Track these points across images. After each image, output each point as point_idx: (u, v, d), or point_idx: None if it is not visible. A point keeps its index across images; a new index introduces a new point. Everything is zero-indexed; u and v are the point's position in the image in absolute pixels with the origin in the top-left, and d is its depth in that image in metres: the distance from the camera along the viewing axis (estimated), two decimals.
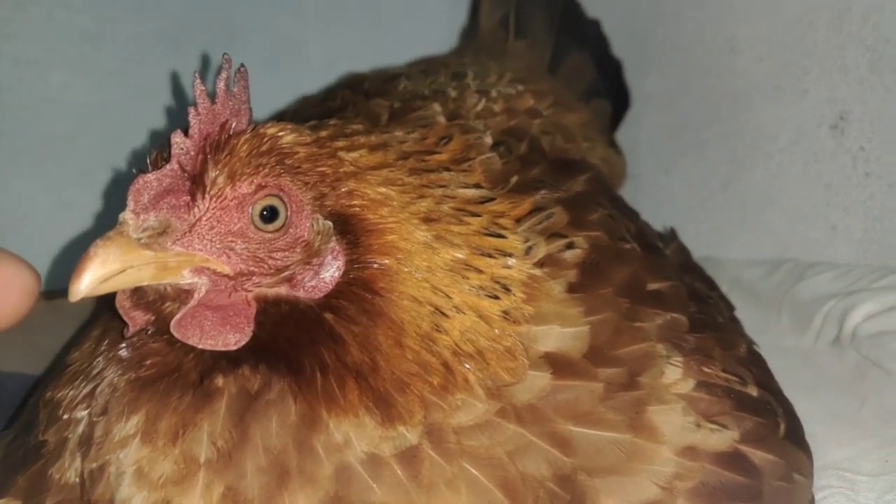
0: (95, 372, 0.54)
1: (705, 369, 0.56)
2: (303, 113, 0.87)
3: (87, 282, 0.44)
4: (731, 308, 0.73)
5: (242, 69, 0.52)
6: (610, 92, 1.12)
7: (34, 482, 0.53)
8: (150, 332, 0.51)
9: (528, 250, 0.58)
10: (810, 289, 0.91)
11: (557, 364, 0.53)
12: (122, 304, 0.51)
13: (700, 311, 0.62)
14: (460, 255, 0.54)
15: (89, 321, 0.67)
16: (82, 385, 0.54)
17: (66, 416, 0.54)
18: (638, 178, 1.21)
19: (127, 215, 0.47)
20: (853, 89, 0.94)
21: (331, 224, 0.52)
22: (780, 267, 0.99)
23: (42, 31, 1.13)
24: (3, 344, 0.90)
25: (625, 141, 1.18)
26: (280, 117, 0.60)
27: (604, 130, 1.05)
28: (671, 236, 0.78)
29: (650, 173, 1.22)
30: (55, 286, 1.07)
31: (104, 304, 0.64)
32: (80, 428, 0.52)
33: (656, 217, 0.90)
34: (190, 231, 0.48)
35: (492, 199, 0.60)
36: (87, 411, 0.52)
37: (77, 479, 0.51)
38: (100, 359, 0.54)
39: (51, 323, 0.82)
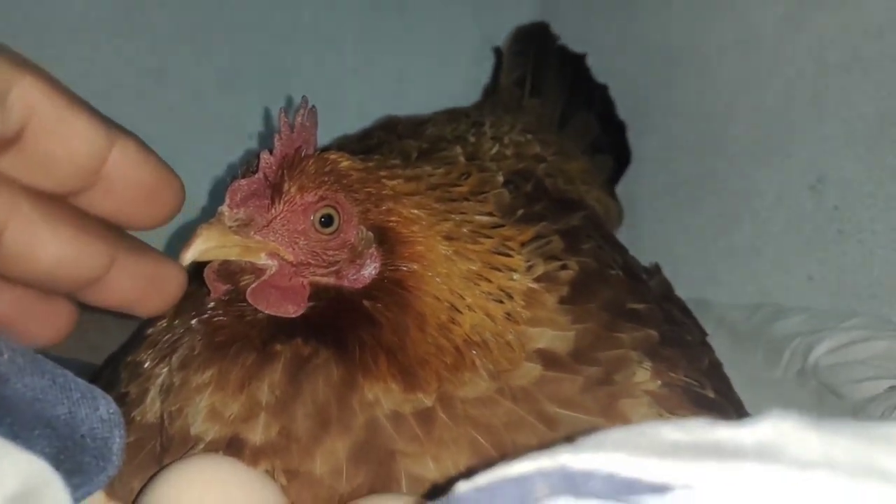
0: (174, 339, 0.66)
1: (670, 374, 0.66)
2: (344, 148, 1.00)
3: (192, 251, 0.57)
4: (703, 333, 0.83)
5: (314, 109, 0.66)
6: (613, 149, 1.23)
7: None
8: (226, 301, 0.63)
9: (529, 268, 0.69)
10: (783, 328, 1.00)
11: (547, 358, 0.64)
12: (209, 275, 0.63)
13: (671, 331, 0.72)
14: (474, 268, 0.66)
15: None
16: (162, 349, 0.66)
17: (147, 372, 0.66)
18: (637, 227, 1.31)
19: (224, 208, 0.60)
20: (830, 156, 1.03)
21: (372, 235, 0.65)
22: (759, 310, 1.08)
23: (112, 67, 1.28)
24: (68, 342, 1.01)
25: (626, 194, 1.28)
26: (324, 150, 0.73)
27: (605, 182, 1.17)
28: (655, 270, 0.89)
29: (648, 224, 1.32)
30: None
31: None
32: (160, 379, 0.64)
33: (654, 262, 1.00)
34: (268, 225, 0.61)
35: (502, 226, 0.72)
36: (166, 368, 0.64)
37: (156, 420, 0.63)
38: (177, 329, 0.66)
39: (97, 319, 0.94)
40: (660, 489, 0.28)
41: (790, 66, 1.08)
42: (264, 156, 0.61)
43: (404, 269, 0.64)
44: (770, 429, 0.31)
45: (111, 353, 0.77)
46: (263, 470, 0.58)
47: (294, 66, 1.44)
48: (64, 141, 0.47)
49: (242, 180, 0.61)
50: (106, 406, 0.52)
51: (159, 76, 1.31)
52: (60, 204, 0.51)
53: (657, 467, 0.28)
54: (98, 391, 0.53)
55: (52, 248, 0.50)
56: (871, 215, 0.99)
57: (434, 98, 1.27)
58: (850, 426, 0.32)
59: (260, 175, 0.61)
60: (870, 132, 0.98)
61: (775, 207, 1.11)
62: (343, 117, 1.32)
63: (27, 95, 0.45)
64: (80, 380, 0.53)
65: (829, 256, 1.04)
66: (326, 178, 0.62)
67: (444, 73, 1.49)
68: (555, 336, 0.66)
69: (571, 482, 0.29)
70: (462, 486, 0.33)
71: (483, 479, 0.32)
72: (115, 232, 0.55)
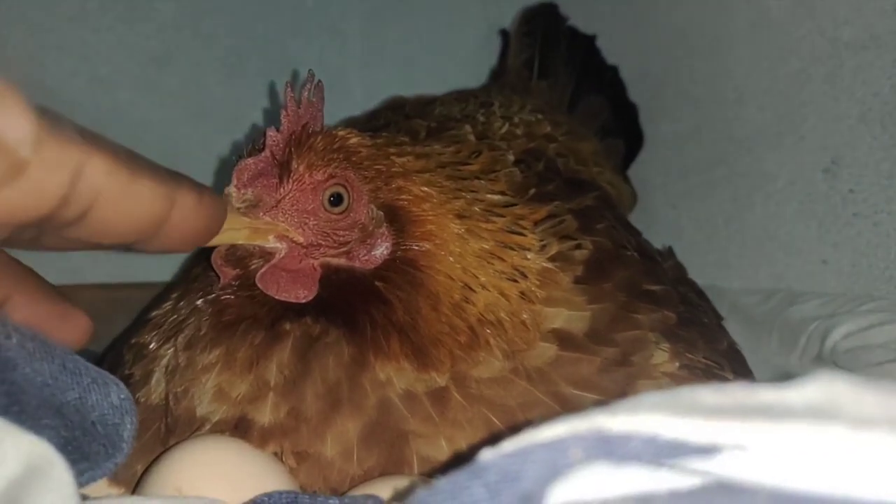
0: (179, 319, 0.64)
1: (689, 355, 0.65)
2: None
3: None
4: (719, 317, 0.82)
5: (320, 83, 0.64)
6: (623, 132, 1.21)
7: None
8: (236, 286, 0.62)
9: (543, 248, 0.68)
10: (798, 313, 0.98)
11: (563, 339, 0.63)
12: (217, 260, 0.62)
13: (688, 312, 0.71)
14: (486, 246, 0.64)
15: (166, 290, 0.77)
16: (167, 330, 0.65)
17: (151, 354, 0.64)
18: (649, 212, 1.30)
19: (231, 189, 0.58)
20: (844, 137, 1.01)
21: (382, 214, 0.63)
22: (774, 295, 1.06)
23: (113, 52, 1.25)
24: None
25: (638, 179, 1.27)
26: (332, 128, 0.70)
27: (616, 166, 1.15)
28: (669, 254, 0.87)
29: (660, 209, 1.30)
30: (109, 278, 1.18)
31: (183, 279, 0.75)
32: (165, 360, 0.63)
33: (666, 246, 0.98)
34: (276, 206, 0.59)
35: (514, 205, 0.70)
36: (171, 349, 0.62)
37: (161, 402, 0.61)
38: (182, 311, 0.65)
39: (108, 312, 0.93)
40: (708, 451, 0.26)
41: (803, 46, 1.06)
42: (271, 133, 0.60)
43: (416, 248, 0.62)
44: (820, 390, 0.29)
45: (114, 338, 0.76)
46: (272, 452, 0.56)
47: (298, 52, 1.42)
48: (127, 212, 0.47)
49: (249, 159, 0.59)
50: (117, 392, 0.51)
51: (162, 63, 1.29)
52: None
53: (703, 428, 0.27)
54: (109, 377, 0.51)
55: None
56: (888, 196, 0.97)
57: (441, 84, 1.25)
58: None
59: (267, 153, 0.59)
60: (885, 111, 0.96)
61: (788, 191, 1.09)
62: (348, 104, 1.31)
63: (93, 177, 0.44)
64: (91, 365, 0.51)
65: (843, 240, 1.02)
66: (335, 156, 0.61)
67: (451, 59, 1.48)
68: (571, 316, 0.64)
69: (609, 446, 0.27)
70: (487, 454, 0.31)
71: (510, 444, 0.30)
72: (21, 271, 0.55)
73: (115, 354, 0.70)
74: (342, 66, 1.46)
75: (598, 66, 1.25)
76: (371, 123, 0.98)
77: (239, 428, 0.57)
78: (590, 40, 1.28)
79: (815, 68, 1.05)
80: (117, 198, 0.46)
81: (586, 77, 1.20)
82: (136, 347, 0.67)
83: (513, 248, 0.66)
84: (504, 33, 1.34)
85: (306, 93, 0.62)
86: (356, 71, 1.46)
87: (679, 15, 1.26)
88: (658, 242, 0.95)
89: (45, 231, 0.46)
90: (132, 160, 0.48)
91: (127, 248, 0.51)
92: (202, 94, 1.32)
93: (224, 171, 1.21)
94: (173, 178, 0.50)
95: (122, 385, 0.51)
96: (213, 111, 1.33)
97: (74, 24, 1.24)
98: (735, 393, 0.29)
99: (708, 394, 0.29)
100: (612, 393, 0.61)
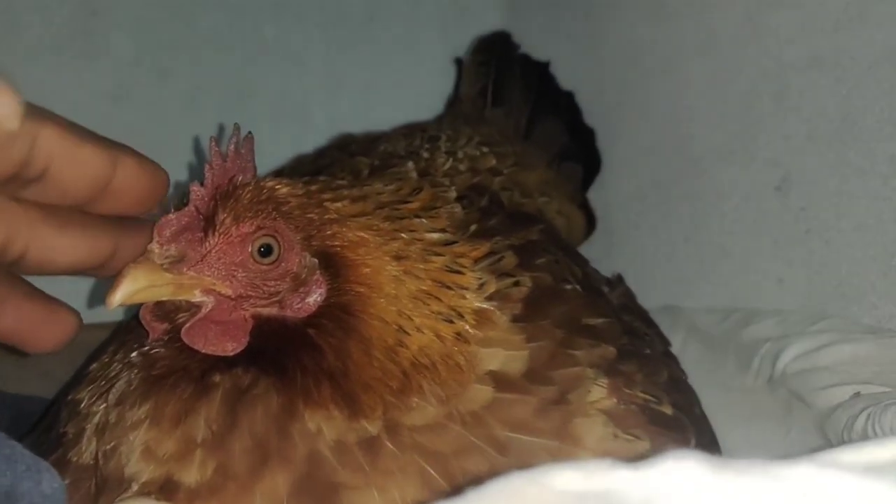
0: (112, 374, 0.64)
1: (626, 390, 0.65)
2: (298, 169, 0.99)
3: (121, 294, 0.56)
4: (666, 343, 0.82)
5: (250, 135, 0.64)
6: (582, 156, 1.22)
7: (55, 467, 0.59)
8: (166, 340, 0.62)
9: (481, 286, 0.68)
10: (753, 333, 0.98)
11: (499, 380, 0.62)
12: (145, 315, 0.62)
13: (630, 344, 0.71)
14: (424, 287, 0.64)
15: (106, 343, 0.76)
16: (100, 385, 0.64)
17: (84, 411, 0.64)
18: (611, 233, 1.31)
19: (153, 245, 0.58)
20: (794, 155, 1.02)
21: (316, 261, 0.63)
22: (731, 314, 1.06)
23: (73, 91, 1.25)
24: (21, 370, 0.99)
25: (598, 200, 1.27)
26: (278, 173, 0.71)
27: (574, 191, 1.16)
28: (618, 281, 0.88)
29: (622, 229, 1.31)
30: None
31: (119, 330, 0.75)
32: (97, 418, 0.62)
33: (628, 268, 0.98)
34: (202, 260, 0.60)
35: (454, 242, 0.70)
36: (104, 405, 0.62)
37: (92, 460, 0.60)
38: (116, 365, 0.65)
39: (68, 354, 0.92)
40: None
41: (751, 66, 1.08)
42: (194, 188, 0.60)
43: (351, 293, 0.62)
44: (661, 477, 0.29)
45: (60, 389, 0.76)
46: None
47: (259, 83, 1.42)
48: (77, 172, 0.57)
49: (171, 215, 0.59)
50: (50, 481, 0.52)
51: (118, 98, 1.29)
52: None
53: None
54: (44, 464, 0.52)
55: None
56: (837, 213, 0.98)
57: (402, 112, 1.26)
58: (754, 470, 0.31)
59: (191, 207, 0.59)
60: (832, 129, 0.97)
61: (742, 209, 1.10)
62: (310, 134, 1.32)
63: (48, 142, 0.55)
64: (27, 452, 0.52)
65: (797, 258, 1.03)
66: (263, 207, 0.61)
67: (412, 86, 1.48)
68: (508, 357, 0.64)
69: None
70: None
71: None
72: (8, 277, 0.62)
73: (56, 410, 0.70)
74: (304, 96, 1.46)
75: (553, 91, 1.26)
76: (317, 163, 0.99)
77: (165, 489, 0.56)
78: (543, 67, 1.29)
79: (764, 88, 1.06)
80: (68, 159, 0.56)
81: (542, 103, 1.21)
82: (72, 404, 0.66)
83: (451, 288, 0.66)
84: (458, 62, 1.35)
85: (232, 145, 0.63)
86: (318, 100, 1.46)
87: (631, 37, 1.27)
88: (620, 262, 0.95)
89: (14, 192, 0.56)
90: (79, 130, 0.58)
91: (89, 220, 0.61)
92: (160, 129, 1.32)
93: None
94: (116, 146, 0.60)
95: (54, 473, 0.51)
96: (172, 146, 1.32)
97: (30, 61, 1.23)
98: (590, 476, 0.29)
99: (560, 478, 0.29)
100: (549, 434, 0.61)
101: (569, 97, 1.27)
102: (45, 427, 0.70)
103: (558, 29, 1.41)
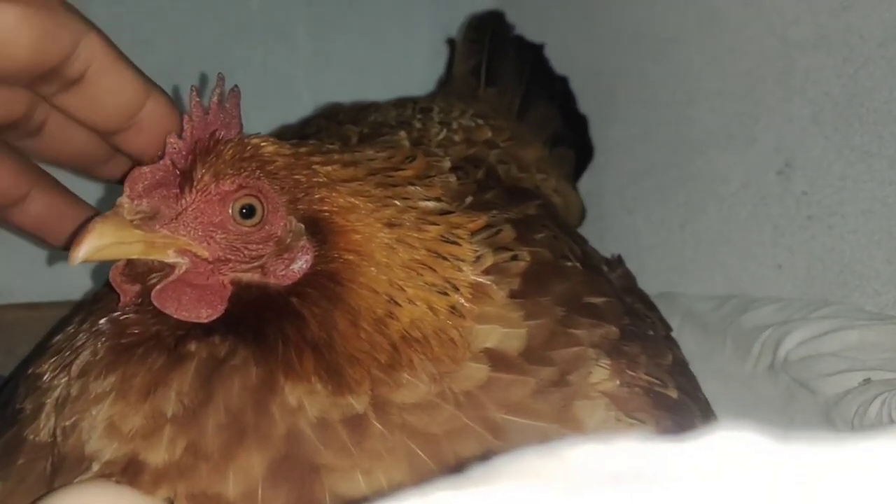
0: (78, 345, 0.58)
1: (629, 372, 0.61)
2: (282, 137, 0.94)
3: (85, 250, 0.51)
4: (667, 328, 0.78)
5: (235, 89, 0.60)
6: (574, 142, 1.18)
7: (8, 446, 0.57)
8: (138, 304, 0.57)
9: (477, 259, 0.63)
10: (752, 320, 0.96)
11: (496, 359, 0.58)
12: (115, 277, 0.57)
13: (633, 325, 0.67)
14: (417, 256, 0.60)
15: (70, 314, 0.71)
16: (64, 357, 0.59)
17: (44, 385, 0.59)
18: (605, 218, 1.27)
19: (123, 199, 0.53)
20: (797, 139, 0.99)
21: (302, 226, 0.59)
22: (728, 301, 1.04)
23: None
24: None
25: (593, 184, 1.24)
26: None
27: (567, 176, 1.12)
28: (618, 262, 0.84)
29: (616, 214, 1.28)
30: (38, 298, 1.12)
31: (87, 300, 0.70)
32: (58, 391, 0.57)
33: (622, 253, 0.93)
34: (176, 218, 0.55)
35: (450, 213, 0.66)
36: (66, 378, 0.57)
37: (49, 438, 0.55)
38: (82, 335, 0.59)
39: (32, 331, 0.86)
40: None
41: (753, 46, 1.04)
42: (171, 140, 0.55)
43: (339, 260, 0.58)
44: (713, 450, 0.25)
45: (19, 364, 0.70)
46: (164, 497, 0.50)
47: (242, 58, 1.37)
48: (112, 87, 0.59)
49: (145, 167, 0.54)
50: None
51: None
52: None
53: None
54: None
55: None
56: (841, 198, 0.95)
57: (390, 90, 1.20)
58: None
59: (166, 161, 0.54)
60: (837, 111, 0.94)
61: (742, 194, 1.07)
62: (296, 111, 1.26)
63: (91, 46, 0.57)
64: None
65: (798, 243, 1.00)
66: (246, 165, 0.56)
67: (401, 64, 1.44)
68: (505, 334, 0.60)
69: None
70: None
71: None
72: (37, 167, 0.67)
73: (13, 385, 0.64)
74: (289, 71, 1.41)
75: (547, 75, 1.22)
76: (303, 131, 0.94)
77: (129, 470, 0.51)
78: (537, 49, 1.25)
79: (766, 69, 1.03)
80: (108, 69, 0.58)
81: (535, 86, 1.17)
82: (32, 378, 0.61)
83: (446, 259, 0.62)
84: (451, 42, 1.31)
85: (215, 97, 0.58)
86: (304, 76, 1.41)
87: (629, 17, 1.24)
88: (613, 248, 0.92)
89: (47, 95, 0.58)
90: (123, 54, 0.61)
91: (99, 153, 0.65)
92: None
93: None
94: (153, 82, 0.63)
95: None
96: None
97: None
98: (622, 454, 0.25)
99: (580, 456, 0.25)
100: (548, 417, 0.57)
101: (563, 83, 1.23)
102: (1, 404, 0.64)
103: (552, 9, 1.38)
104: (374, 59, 1.43)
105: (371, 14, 1.44)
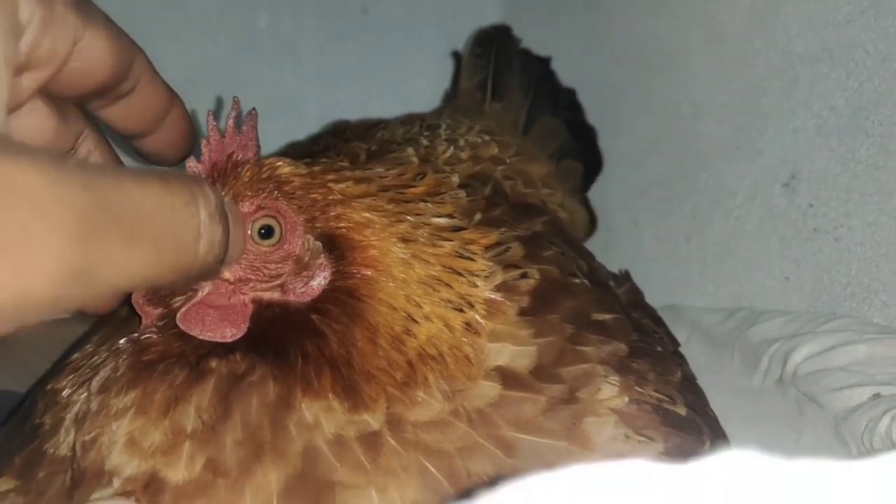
0: (97, 363, 0.60)
1: (638, 389, 0.61)
2: (291, 155, 0.95)
3: None
4: (675, 344, 0.78)
5: (253, 111, 0.61)
6: (582, 155, 1.19)
7: (29, 460, 0.58)
8: (160, 326, 0.58)
9: (488, 277, 0.64)
10: (760, 333, 0.96)
11: (507, 377, 0.59)
12: (137, 299, 0.58)
13: (641, 341, 0.68)
14: (433, 272, 0.61)
15: (89, 332, 0.72)
16: (83, 374, 0.60)
17: (63, 400, 0.60)
18: (611, 230, 1.28)
19: None
20: (802, 151, 1.00)
21: (320, 244, 0.60)
22: (735, 314, 1.04)
23: None
24: None
25: (599, 196, 1.25)
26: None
27: (574, 188, 1.13)
28: (625, 278, 0.84)
29: (622, 226, 1.28)
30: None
31: (105, 319, 0.71)
32: (77, 406, 0.58)
33: (628, 266, 0.93)
34: None
35: (463, 229, 0.67)
36: (85, 394, 0.58)
37: (69, 452, 0.56)
38: (102, 353, 0.60)
39: (47, 348, 0.87)
40: None
41: (758, 60, 1.05)
42: (190, 164, 0.56)
43: (357, 276, 0.59)
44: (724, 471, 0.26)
45: (35, 381, 0.71)
46: None
47: (251, 74, 1.38)
48: (151, 99, 0.63)
49: None
50: None
51: None
52: None
53: None
54: None
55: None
56: (847, 210, 0.96)
57: (398, 106, 1.22)
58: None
59: None
60: (841, 123, 0.95)
61: (748, 206, 1.08)
62: (305, 125, 1.28)
63: (139, 66, 0.60)
64: None
65: (805, 256, 1.00)
66: (264, 186, 0.57)
67: (409, 80, 1.45)
68: (516, 352, 0.61)
69: None
70: None
71: None
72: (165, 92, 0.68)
73: (31, 401, 0.65)
74: (297, 87, 1.42)
75: (554, 88, 1.22)
76: (311, 148, 0.95)
77: (149, 489, 0.52)
78: (544, 62, 1.25)
79: (771, 82, 1.04)
80: (147, 84, 0.62)
81: (542, 99, 1.17)
82: (50, 394, 0.62)
83: (461, 275, 0.63)
84: (456, 55, 1.32)
85: (231, 121, 0.59)
86: (312, 91, 1.43)
87: (635, 31, 1.25)
88: (619, 261, 0.92)
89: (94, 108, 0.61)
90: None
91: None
92: None
93: None
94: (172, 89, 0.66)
95: None
96: None
97: None
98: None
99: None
100: (558, 434, 0.57)
101: (570, 95, 1.24)
102: (19, 419, 0.65)
103: (558, 23, 1.39)
104: (381, 75, 1.45)
105: (378, 30, 1.45)
